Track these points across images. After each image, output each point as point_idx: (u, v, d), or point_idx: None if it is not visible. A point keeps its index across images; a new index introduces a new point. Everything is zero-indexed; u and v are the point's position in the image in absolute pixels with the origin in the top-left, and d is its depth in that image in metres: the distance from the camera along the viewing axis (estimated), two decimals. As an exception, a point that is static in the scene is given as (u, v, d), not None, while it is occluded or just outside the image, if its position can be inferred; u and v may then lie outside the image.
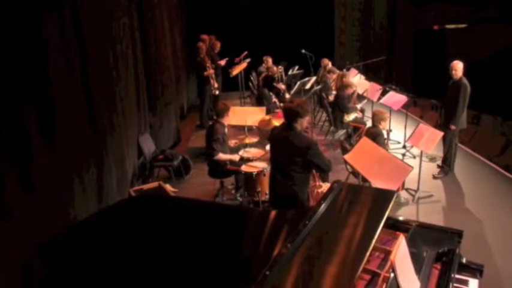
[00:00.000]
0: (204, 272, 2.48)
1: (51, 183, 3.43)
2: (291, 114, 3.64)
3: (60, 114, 3.57)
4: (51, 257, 2.83)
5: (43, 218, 3.24)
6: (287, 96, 8.55)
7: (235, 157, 5.26)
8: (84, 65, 4.13)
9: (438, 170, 6.31)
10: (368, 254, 2.27)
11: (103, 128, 4.60)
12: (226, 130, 5.33)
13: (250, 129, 6.35)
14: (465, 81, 5.83)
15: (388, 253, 2.49)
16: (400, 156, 6.73)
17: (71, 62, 3.90)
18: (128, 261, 2.68)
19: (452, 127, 5.68)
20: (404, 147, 7.28)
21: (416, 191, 5.52)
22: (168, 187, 5.37)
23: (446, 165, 6.22)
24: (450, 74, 5.93)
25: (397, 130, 7.78)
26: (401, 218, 2.97)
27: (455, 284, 2.60)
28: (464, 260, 2.76)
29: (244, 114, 6.16)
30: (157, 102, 7.35)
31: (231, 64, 9.84)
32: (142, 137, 6.34)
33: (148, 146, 6.43)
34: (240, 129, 6.64)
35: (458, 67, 5.86)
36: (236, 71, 9.37)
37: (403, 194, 5.54)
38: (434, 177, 6.14)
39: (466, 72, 5.92)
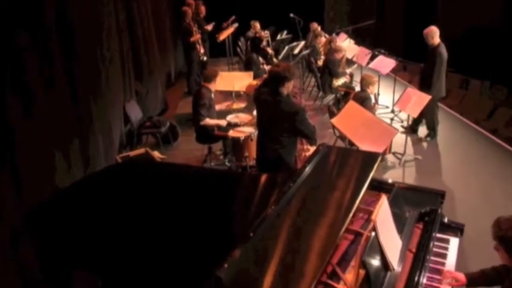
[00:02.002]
0: (192, 236, 2.51)
1: (33, 155, 3.36)
2: (277, 79, 3.59)
3: (37, 83, 3.46)
4: (38, 224, 2.83)
5: (26, 190, 3.20)
6: (275, 61, 8.44)
7: (222, 122, 5.23)
8: (63, 32, 3.99)
9: (424, 134, 6.35)
10: (351, 214, 2.30)
11: (86, 96, 4.49)
12: (212, 95, 5.27)
13: (237, 95, 6.29)
14: (442, 48, 5.75)
15: (371, 214, 2.52)
16: (388, 121, 6.75)
17: (49, 26, 3.75)
18: (115, 225, 2.69)
19: (428, 96, 5.62)
20: (392, 111, 7.29)
21: (403, 155, 5.57)
22: (156, 154, 5.36)
23: (431, 131, 6.26)
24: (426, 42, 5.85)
25: (385, 95, 7.77)
26: (385, 180, 2.99)
27: (436, 243, 2.66)
28: (446, 220, 2.82)
29: (231, 80, 6.09)
30: (143, 69, 7.21)
31: (218, 29, 9.62)
32: (129, 104, 6.25)
33: (135, 113, 6.36)
34: (227, 95, 6.57)
35: (431, 34, 5.76)
36: (223, 36, 9.18)
37: (390, 158, 5.59)
38: (421, 141, 6.18)
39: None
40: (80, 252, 2.58)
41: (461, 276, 2.42)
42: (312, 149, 3.99)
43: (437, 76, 5.75)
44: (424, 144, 6.17)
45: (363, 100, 5.02)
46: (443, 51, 5.72)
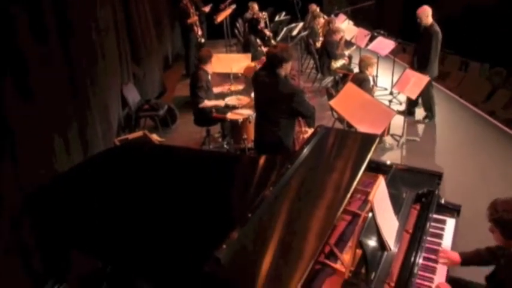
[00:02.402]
0: (190, 217, 2.52)
1: (31, 139, 3.35)
2: (275, 59, 3.56)
3: (36, 68, 3.43)
4: (38, 207, 2.84)
5: (25, 175, 3.20)
6: (273, 43, 8.36)
7: (221, 102, 5.22)
8: (58, 13, 3.93)
9: (423, 116, 6.34)
10: (349, 196, 2.32)
11: (83, 80, 4.46)
12: (210, 77, 5.24)
13: (235, 77, 6.25)
14: (436, 27, 5.72)
15: (368, 195, 2.54)
16: (386, 103, 6.74)
17: (47, 12, 3.69)
18: (115, 208, 2.70)
19: (427, 76, 5.58)
20: (391, 93, 7.27)
21: (401, 137, 5.57)
22: (154, 137, 5.35)
23: (428, 112, 6.25)
24: (419, 22, 5.79)
25: (384, 76, 7.73)
26: (382, 161, 3.00)
27: (433, 224, 2.69)
28: (442, 201, 2.84)
29: (229, 62, 6.04)
30: (140, 51, 7.14)
31: (215, 11, 9.50)
32: (126, 87, 6.21)
33: (133, 96, 6.32)
34: (225, 77, 6.53)
35: (425, 13, 5.71)
36: (221, 17, 9.07)
37: (388, 140, 5.60)
38: (420, 122, 6.18)
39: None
40: (79, 235, 2.60)
41: (456, 256, 2.45)
42: (310, 131, 4.00)
43: (435, 55, 5.73)
44: (422, 126, 6.17)
45: (361, 82, 5.00)
46: (439, 30, 5.69)
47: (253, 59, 6.37)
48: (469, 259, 2.48)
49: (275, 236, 2.11)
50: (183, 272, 2.16)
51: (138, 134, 5.05)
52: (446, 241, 2.61)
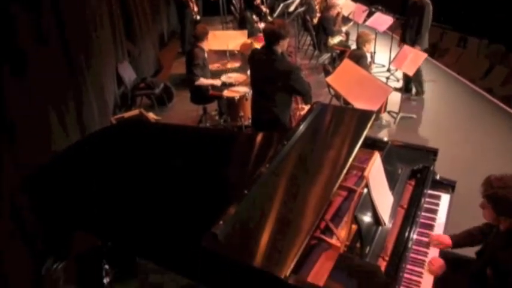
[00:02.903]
0: (188, 194, 2.53)
1: (29, 119, 3.32)
2: (272, 36, 3.51)
3: (31, 47, 3.37)
4: (36, 187, 2.85)
5: (23, 155, 3.19)
6: (269, 19, 8.25)
7: (217, 82, 5.18)
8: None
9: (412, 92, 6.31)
10: (345, 172, 2.33)
11: (78, 59, 4.40)
12: (206, 55, 5.18)
13: (232, 54, 6.20)
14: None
15: (364, 171, 2.55)
16: (384, 80, 6.71)
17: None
18: (113, 186, 2.71)
19: (418, 48, 5.53)
20: (388, 70, 7.23)
21: (397, 114, 5.57)
22: (151, 115, 5.33)
23: (419, 87, 6.23)
24: None
25: (382, 53, 7.66)
26: (378, 137, 3.01)
27: (427, 199, 2.72)
28: (438, 177, 2.86)
29: (225, 39, 5.98)
30: (135, 29, 7.03)
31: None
32: (122, 65, 6.15)
33: (129, 74, 6.27)
34: (221, 54, 6.47)
35: None
36: (217, -7, 8.93)
37: (385, 117, 5.60)
38: (410, 99, 6.15)
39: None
40: (78, 214, 2.61)
41: (447, 239, 2.46)
42: (307, 107, 3.99)
43: (426, 28, 5.70)
44: (419, 103, 6.16)
45: (359, 58, 4.96)
46: (429, 1, 5.65)
47: (249, 35, 6.30)
48: (460, 241, 2.50)
49: (272, 212, 2.13)
50: (181, 248, 2.19)
51: (134, 112, 5.03)
52: (441, 217, 2.64)
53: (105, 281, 3.11)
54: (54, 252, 3.25)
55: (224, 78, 5.34)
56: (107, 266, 3.15)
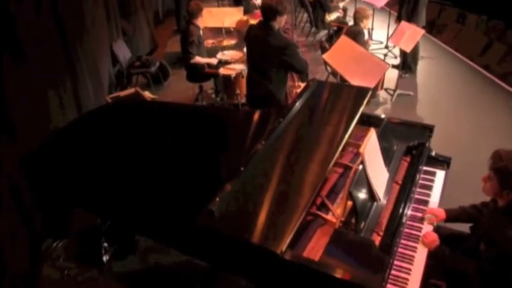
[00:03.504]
0: (185, 171, 2.54)
1: (26, 99, 3.30)
2: (270, 12, 3.47)
3: (25, 27, 3.32)
4: (35, 165, 2.85)
5: (21, 134, 3.18)
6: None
7: (213, 60, 5.14)
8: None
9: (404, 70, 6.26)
10: (340, 148, 2.34)
11: (71, 37, 4.33)
12: (201, 32, 5.12)
13: (228, 31, 6.12)
14: None
15: (360, 147, 2.56)
16: (381, 57, 6.65)
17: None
18: (110, 164, 2.71)
19: (422, 30, 5.45)
20: (386, 47, 7.16)
21: (394, 91, 5.55)
22: (147, 94, 5.29)
23: (413, 64, 6.18)
24: None
25: (379, 29, 7.58)
26: (374, 114, 3.01)
27: (422, 175, 2.74)
28: (433, 153, 2.88)
29: (221, 16, 5.88)
30: (129, 7, 6.90)
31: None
32: (116, 43, 6.06)
33: (124, 52, 6.19)
34: (217, 32, 6.39)
35: None
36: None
37: (382, 94, 5.59)
38: (402, 77, 6.10)
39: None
40: (77, 192, 2.63)
41: (441, 212, 2.49)
42: (303, 85, 3.97)
43: (423, 4, 5.62)
44: (416, 80, 6.13)
45: (356, 35, 4.90)
46: None
47: (245, 12, 6.21)
48: (454, 215, 2.52)
49: (268, 188, 2.15)
50: (179, 224, 2.21)
51: (130, 91, 4.98)
52: (435, 193, 2.66)
53: (104, 258, 3.16)
54: (54, 230, 3.28)
55: (220, 55, 5.29)
56: (105, 244, 3.20)
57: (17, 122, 3.11)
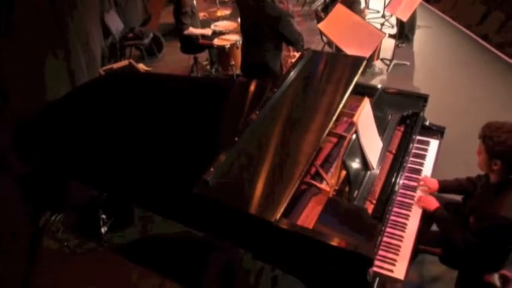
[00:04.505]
0: (180, 142, 2.54)
1: (19, 74, 3.25)
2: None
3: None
4: (31, 138, 2.84)
5: (16, 109, 3.16)
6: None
7: (207, 31, 5.06)
8: None
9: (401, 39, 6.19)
10: (334, 118, 2.34)
11: (63, 9, 4.23)
12: (195, 2, 5.02)
13: (222, 2, 6.00)
14: None
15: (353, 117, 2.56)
16: (378, 26, 6.56)
17: None
18: (105, 136, 2.70)
19: None
20: (383, 16, 7.06)
21: (391, 61, 5.51)
22: (141, 66, 5.23)
23: (410, 34, 6.12)
24: None
25: (376, -2, 7.46)
26: (369, 84, 2.99)
27: (416, 145, 2.75)
28: (427, 123, 2.88)
29: (214, -15, 5.76)
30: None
31: None
32: (108, 14, 5.94)
33: (116, 24, 6.08)
34: (211, 2, 6.27)
35: None
36: None
37: (378, 64, 5.54)
38: (398, 46, 6.04)
39: None
40: (72, 164, 2.63)
41: (434, 183, 2.50)
42: (298, 55, 3.93)
43: None
44: (413, 50, 6.07)
45: (351, 3, 4.80)
46: None
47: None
48: (448, 187, 2.52)
49: (261, 158, 2.16)
50: (175, 195, 2.23)
51: (124, 63, 4.92)
52: (429, 162, 2.68)
53: (103, 230, 3.19)
54: (51, 204, 3.30)
55: (214, 26, 5.21)
56: (103, 216, 3.23)
57: (11, 97, 3.08)
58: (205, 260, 2.97)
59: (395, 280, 1.98)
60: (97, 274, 2.91)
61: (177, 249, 3.09)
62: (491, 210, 2.01)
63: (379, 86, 2.91)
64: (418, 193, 2.46)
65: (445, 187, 2.52)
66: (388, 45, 5.55)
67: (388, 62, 5.55)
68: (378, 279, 1.89)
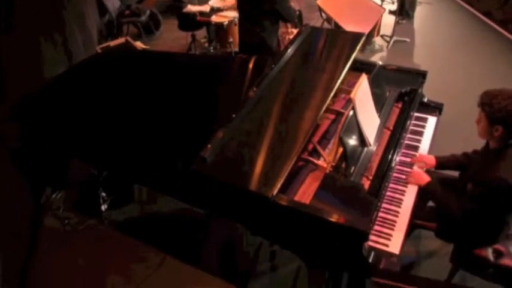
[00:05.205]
0: (179, 120, 2.54)
1: (17, 55, 3.22)
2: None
3: None
4: (29, 116, 2.84)
5: (13, 90, 3.14)
6: None
7: (205, 8, 5.00)
8: None
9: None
10: (332, 94, 2.33)
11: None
12: (191, -22, 4.95)
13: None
14: None
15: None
16: (378, 2, 6.47)
17: None
18: (104, 114, 2.69)
19: None
20: (383, -8, 6.94)
21: (391, 37, 5.45)
22: (138, 43, 5.16)
23: (410, 10, 6.03)
24: None
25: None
26: (367, 60, 2.97)
27: (414, 122, 2.75)
28: (425, 99, 2.87)
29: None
30: None
31: None
32: (103, -9, 5.85)
33: (112, 1, 5.99)
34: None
35: None
36: None
37: (378, 41, 5.48)
38: (398, 23, 5.95)
39: None
40: (71, 142, 2.64)
41: (431, 159, 2.50)
42: (296, 31, 3.89)
43: None
44: (413, 26, 6.00)
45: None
46: None
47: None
48: (445, 163, 2.53)
49: (259, 134, 2.17)
50: (173, 172, 2.25)
51: (120, 40, 4.85)
52: (426, 138, 2.68)
53: (103, 207, 3.23)
54: (52, 182, 3.33)
55: (212, 2, 5.14)
56: (103, 194, 3.26)
57: (9, 79, 3.07)
58: (204, 235, 3.02)
59: (390, 254, 2.00)
60: (98, 251, 2.95)
61: (177, 225, 3.14)
62: (490, 174, 2.02)
63: (380, 63, 2.88)
64: (415, 169, 2.47)
65: (442, 163, 2.52)
66: (388, 22, 5.48)
67: (388, 39, 5.50)
68: (373, 253, 1.91)
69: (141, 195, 3.40)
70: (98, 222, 3.18)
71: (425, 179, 2.31)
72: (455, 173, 2.60)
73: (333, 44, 2.81)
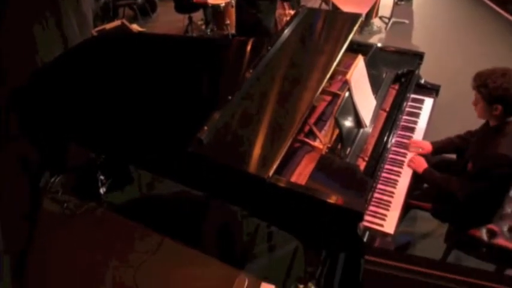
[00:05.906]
0: (176, 102, 2.54)
1: (12, 39, 3.18)
2: None
3: None
4: (26, 100, 2.83)
5: (9, 75, 3.11)
6: None
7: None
8: None
9: None
10: (328, 76, 2.33)
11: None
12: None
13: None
14: None
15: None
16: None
17: None
18: (100, 97, 2.68)
19: None
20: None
21: (389, 19, 5.40)
22: (134, 26, 5.11)
23: None
24: None
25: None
26: (364, 42, 2.95)
27: (410, 103, 2.75)
28: (422, 81, 2.86)
29: None
30: None
31: None
32: (97, -28, 5.76)
33: (108, -18, 5.91)
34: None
35: None
36: None
37: (376, 23, 5.43)
38: (397, 4, 5.83)
39: None
40: (67, 126, 2.64)
41: (427, 145, 2.50)
42: (293, 12, 3.85)
43: None
44: (412, 8, 5.93)
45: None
46: None
47: None
48: (441, 147, 2.52)
49: (255, 116, 2.17)
50: (171, 154, 2.26)
51: (116, 23, 4.80)
52: (423, 120, 2.68)
53: (102, 190, 3.25)
54: (51, 166, 3.34)
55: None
56: (102, 177, 3.27)
57: (4, 63, 3.04)
58: (203, 217, 3.04)
59: (385, 234, 2.03)
60: (97, 234, 2.98)
61: (175, 207, 3.16)
62: (490, 150, 2.03)
63: (379, 44, 2.86)
64: (410, 153, 2.47)
65: (438, 148, 2.52)
66: (387, 3, 5.41)
67: (386, 20, 5.44)
68: (368, 233, 1.94)
69: (139, 177, 3.41)
70: (97, 205, 3.19)
71: (423, 166, 2.32)
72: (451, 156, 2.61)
73: (330, 25, 2.79)
